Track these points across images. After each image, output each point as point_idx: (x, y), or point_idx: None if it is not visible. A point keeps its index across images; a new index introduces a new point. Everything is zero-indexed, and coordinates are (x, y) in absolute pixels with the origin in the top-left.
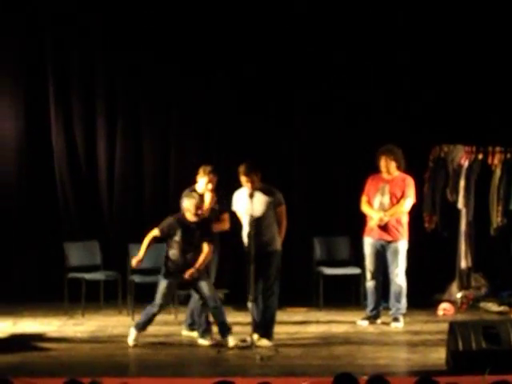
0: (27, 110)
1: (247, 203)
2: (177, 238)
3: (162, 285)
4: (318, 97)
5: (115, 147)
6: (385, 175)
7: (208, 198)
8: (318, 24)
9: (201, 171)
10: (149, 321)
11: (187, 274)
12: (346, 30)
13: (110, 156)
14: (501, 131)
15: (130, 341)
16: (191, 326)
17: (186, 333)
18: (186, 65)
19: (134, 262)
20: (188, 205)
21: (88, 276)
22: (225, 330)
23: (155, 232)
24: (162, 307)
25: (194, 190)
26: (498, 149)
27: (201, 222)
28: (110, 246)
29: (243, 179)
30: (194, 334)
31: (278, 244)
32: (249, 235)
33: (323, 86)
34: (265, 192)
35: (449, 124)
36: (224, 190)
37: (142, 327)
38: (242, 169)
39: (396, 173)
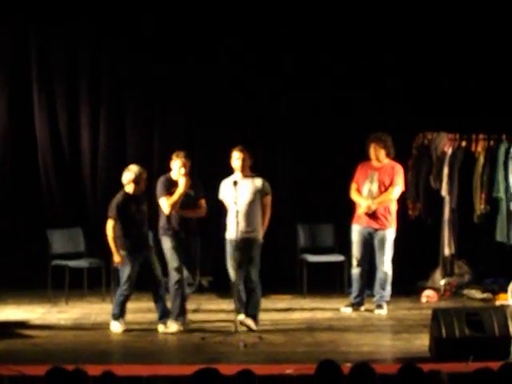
0: (10, 99)
1: (234, 190)
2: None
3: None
4: (305, 84)
5: (99, 135)
6: (374, 163)
7: (182, 183)
8: (305, 12)
9: (174, 156)
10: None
11: None
12: (335, 18)
13: (93, 144)
14: (484, 119)
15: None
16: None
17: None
18: (170, 52)
19: (117, 259)
20: (127, 178)
21: (72, 263)
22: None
23: (112, 222)
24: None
25: (169, 177)
26: (481, 136)
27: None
28: (93, 234)
29: (235, 155)
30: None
31: (260, 234)
32: (235, 222)
33: (309, 74)
34: (253, 180)
35: (432, 111)
36: (199, 176)
37: None
38: (237, 146)
39: (385, 160)
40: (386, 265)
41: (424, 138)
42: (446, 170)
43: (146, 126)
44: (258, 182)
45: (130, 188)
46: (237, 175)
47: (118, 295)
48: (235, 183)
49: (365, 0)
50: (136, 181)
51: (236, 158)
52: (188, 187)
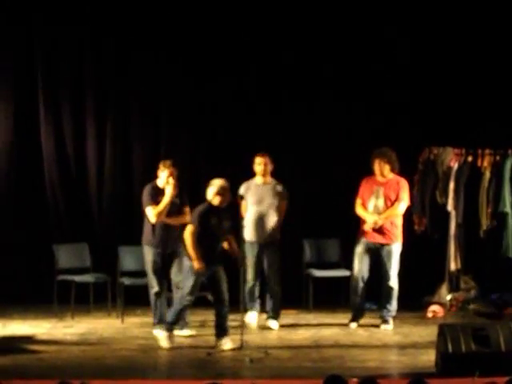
0: (16, 111)
1: (256, 192)
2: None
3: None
4: (310, 98)
5: (105, 148)
6: (379, 178)
7: (168, 192)
8: (307, 22)
9: (161, 165)
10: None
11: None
12: (338, 30)
13: (99, 158)
14: (490, 133)
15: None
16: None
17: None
18: (177, 64)
19: (198, 265)
20: (212, 192)
21: (78, 278)
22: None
23: (192, 229)
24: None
25: (156, 185)
26: (487, 151)
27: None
28: (99, 249)
29: (258, 160)
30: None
31: (278, 236)
32: (254, 225)
33: (315, 88)
34: (274, 185)
35: (438, 126)
36: (183, 185)
37: None
38: (260, 152)
39: (390, 175)
40: (392, 279)
41: (430, 153)
42: (451, 185)
43: (152, 140)
44: (279, 187)
45: (214, 201)
46: (259, 179)
47: (176, 303)
48: (257, 187)
49: (371, 11)
50: (220, 194)
51: (258, 163)
52: (174, 196)
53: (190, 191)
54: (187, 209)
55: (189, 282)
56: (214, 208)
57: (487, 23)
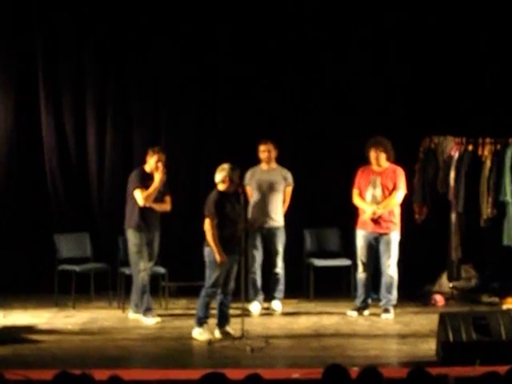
0: (17, 102)
1: (261, 178)
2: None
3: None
4: (308, 87)
5: (105, 139)
6: (375, 167)
7: (158, 178)
8: (306, 13)
9: (150, 151)
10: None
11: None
12: (335, 15)
13: (100, 148)
14: (491, 122)
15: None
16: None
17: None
18: (177, 53)
19: (220, 258)
20: (221, 177)
21: (78, 268)
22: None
23: (212, 221)
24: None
25: (144, 170)
26: (488, 140)
27: (235, 192)
28: (100, 238)
29: (262, 148)
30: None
31: (283, 222)
32: (260, 209)
33: (314, 77)
34: (279, 170)
35: (439, 115)
36: (167, 173)
37: None
38: (263, 139)
39: (386, 164)
40: (391, 269)
41: (431, 142)
42: (452, 174)
43: (152, 131)
44: (284, 172)
45: (223, 186)
46: (264, 166)
47: (202, 296)
48: (262, 173)
49: (371, 1)
50: (230, 179)
51: (262, 151)
52: (162, 182)
53: (190, 178)
54: (169, 198)
55: (214, 274)
56: (224, 194)
57: (487, 11)
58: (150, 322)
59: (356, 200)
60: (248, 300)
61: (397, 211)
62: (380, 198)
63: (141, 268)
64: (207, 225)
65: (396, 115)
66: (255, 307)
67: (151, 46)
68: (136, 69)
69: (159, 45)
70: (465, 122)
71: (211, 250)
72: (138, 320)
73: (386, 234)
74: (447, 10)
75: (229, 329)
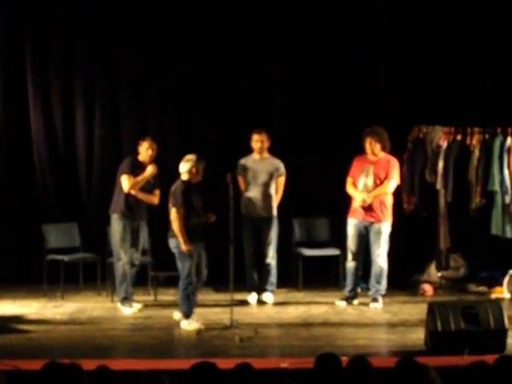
0: (5, 93)
1: (253, 168)
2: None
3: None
4: (299, 77)
5: (93, 130)
6: (370, 156)
7: (149, 170)
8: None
9: (140, 141)
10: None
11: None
12: (331, 9)
13: (88, 138)
14: (479, 112)
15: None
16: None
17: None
18: (167, 42)
19: (186, 247)
20: (187, 167)
21: (67, 258)
22: None
23: (178, 211)
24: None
25: (137, 159)
26: (476, 129)
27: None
28: (88, 228)
29: (255, 137)
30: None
31: (275, 212)
32: (252, 199)
33: (304, 67)
34: (271, 160)
35: (427, 105)
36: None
37: None
38: (257, 129)
39: (381, 154)
40: (381, 258)
41: (419, 132)
42: (441, 164)
43: (140, 121)
44: (276, 162)
45: (188, 177)
46: (256, 155)
47: (181, 290)
48: (254, 162)
49: None
50: (196, 170)
51: (256, 140)
52: (153, 175)
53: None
54: (158, 191)
55: (186, 265)
56: (190, 185)
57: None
58: (127, 311)
59: (348, 188)
60: (247, 290)
61: (389, 201)
62: (371, 186)
63: (121, 256)
64: (173, 215)
65: (384, 105)
66: (253, 298)
67: (140, 35)
68: (125, 58)
69: (148, 34)
70: (453, 112)
71: (178, 241)
72: None
73: (376, 222)
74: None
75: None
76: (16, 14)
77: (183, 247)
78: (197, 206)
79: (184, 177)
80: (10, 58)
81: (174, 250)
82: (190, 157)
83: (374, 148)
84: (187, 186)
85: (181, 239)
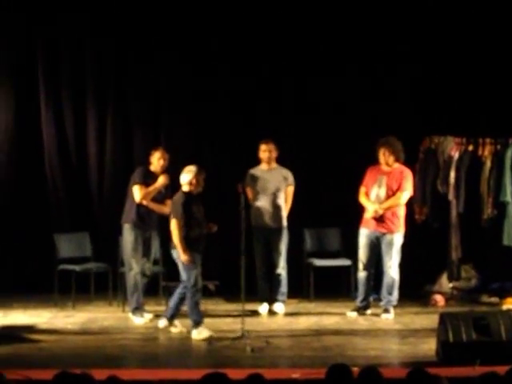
0: (16, 98)
1: (262, 179)
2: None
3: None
4: (311, 87)
5: (105, 140)
6: (383, 167)
7: (161, 180)
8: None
9: (152, 151)
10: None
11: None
12: (340, 15)
13: (100, 148)
14: (491, 122)
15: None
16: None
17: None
18: (177, 53)
19: (185, 258)
20: (188, 178)
21: (78, 268)
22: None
23: (178, 222)
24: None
25: (149, 169)
26: (488, 140)
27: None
28: (100, 238)
29: (263, 147)
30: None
31: (285, 222)
32: (261, 210)
33: (317, 76)
34: (280, 171)
35: (439, 115)
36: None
37: None
38: (265, 139)
39: (395, 165)
40: (393, 270)
41: (431, 142)
42: (452, 174)
43: (152, 131)
44: (285, 172)
45: (189, 188)
46: (264, 166)
47: (189, 298)
48: (263, 173)
49: (373, 4)
50: (196, 180)
51: (263, 150)
52: (164, 185)
53: None
54: (169, 202)
55: (192, 273)
56: (190, 196)
57: (488, 14)
58: (139, 321)
59: (361, 198)
60: (258, 301)
61: (401, 213)
62: (383, 197)
63: (133, 266)
64: (173, 226)
65: (396, 115)
66: (264, 308)
67: (152, 46)
68: (136, 68)
69: (160, 44)
70: (465, 122)
71: (177, 252)
72: None
73: (388, 233)
74: (448, 10)
75: (177, 323)
76: (27, 19)
77: (182, 258)
78: (198, 216)
79: (185, 188)
80: (22, 63)
81: (178, 261)
82: (191, 168)
83: (387, 159)
84: (188, 197)
85: (180, 250)
